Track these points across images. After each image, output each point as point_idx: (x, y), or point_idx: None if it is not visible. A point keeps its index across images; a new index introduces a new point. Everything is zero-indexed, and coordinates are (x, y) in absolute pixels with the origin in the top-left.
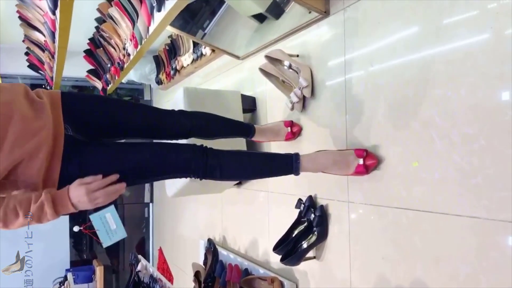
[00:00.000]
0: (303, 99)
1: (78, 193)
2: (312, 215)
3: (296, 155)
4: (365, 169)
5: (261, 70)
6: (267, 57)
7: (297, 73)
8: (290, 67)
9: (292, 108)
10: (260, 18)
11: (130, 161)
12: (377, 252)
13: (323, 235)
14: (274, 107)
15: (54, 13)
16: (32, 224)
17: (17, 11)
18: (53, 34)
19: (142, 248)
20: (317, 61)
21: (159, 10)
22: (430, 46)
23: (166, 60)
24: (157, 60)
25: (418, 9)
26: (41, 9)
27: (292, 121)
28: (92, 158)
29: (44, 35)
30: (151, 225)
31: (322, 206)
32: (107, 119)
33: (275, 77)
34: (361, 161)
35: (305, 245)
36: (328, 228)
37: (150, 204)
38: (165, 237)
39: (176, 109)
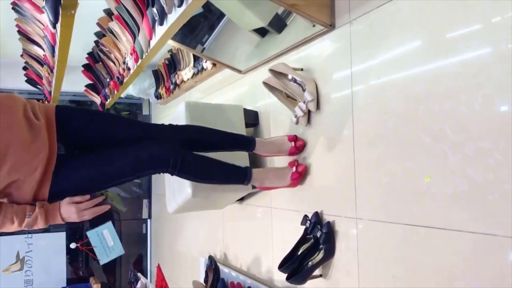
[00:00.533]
0: (308, 113)
1: (69, 210)
2: (319, 232)
3: (248, 168)
4: (299, 174)
5: (265, 84)
6: (271, 71)
7: (302, 87)
8: (294, 81)
9: (297, 122)
10: (261, 32)
11: (111, 172)
12: (387, 270)
13: (330, 253)
14: (278, 121)
15: (54, 27)
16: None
17: (16, 25)
18: (52, 48)
19: (140, 265)
20: (322, 75)
21: (161, 24)
22: (441, 59)
23: (165, 75)
24: (156, 74)
25: (428, 22)
26: (41, 22)
27: (295, 136)
28: (78, 173)
29: (43, 49)
30: (149, 242)
31: (329, 222)
32: (97, 134)
33: (279, 91)
34: (294, 169)
35: (311, 263)
36: (335, 246)
37: (148, 220)
38: (163, 254)
39: (177, 123)
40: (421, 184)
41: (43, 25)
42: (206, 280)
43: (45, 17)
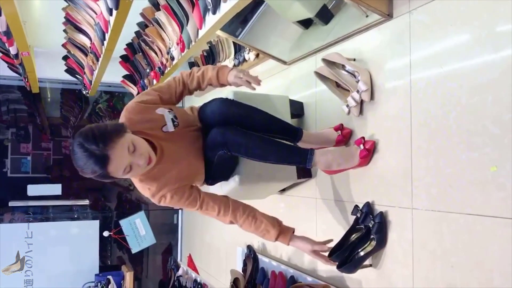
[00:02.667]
0: (361, 104)
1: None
2: (371, 222)
3: (312, 150)
4: (367, 151)
5: (317, 73)
6: (324, 60)
7: (355, 77)
8: (347, 70)
9: (349, 112)
10: (305, 23)
11: None
12: (445, 261)
13: (382, 243)
14: (324, 112)
15: (111, 13)
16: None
17: (66, 14)
18: (103, 36)
19: (169, 255)
20: (377, 65)
21: (214, 12)
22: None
23: None
24: (192, 66)
25: (499, 9)
26: (93, 10)
27: (341, 124)
28: None
29: (89, 38)
30: (180, 232)
31: (381, 212)
32: None
33: (330, 81)
34: (361, 147)
35: (362, 252)
36: (388, 236)
37: (180, 211)
38: (195, 244)
39: None
40: (487, 173)
41: (96, 13)
42: (244, 269)
43: (102, 5)
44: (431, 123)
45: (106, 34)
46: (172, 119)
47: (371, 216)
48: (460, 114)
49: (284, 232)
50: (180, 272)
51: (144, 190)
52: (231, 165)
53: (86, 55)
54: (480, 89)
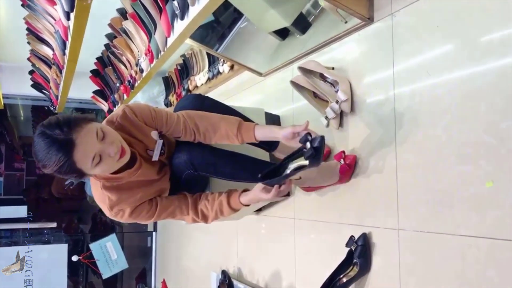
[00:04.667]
0: (341, 115)
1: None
2: (354, 245)
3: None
4: (348, 167)
5: (293, 83)
6: (300, 68)
7: (334, 86)
8: (325, 80)
9: (328, 125)
10: (282, 34)
11: None
12: (437, 287)
13: (365, 268)
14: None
15: (68, 18)
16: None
17: (26, 22)
18: (64, 45)
19: (143, 280)
20: (357, 73)
21: (182, 18)
22: (509, 50)
23: (177, 81)
24: (167, 81)
25: (492, 8)
26: (52, 17)
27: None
28: None
29: (52, 49)
30: (154, 255)
31: (365, 234)
32: None
33: (307, 91)
34: (342, 162)
35: (344, 279)
36: (372, 260)
37: (153, 233)
38: (169, 268)
39: None
40: (482, 189)
41: (55, 20)
42: None
43: (59, 9)
44: (418, 134)
45: (67, 43)
46: (161, 150)
47: (353, 237)
48: (451, 123)
49: (231, 195)
50: None
51: (102, 199)
52: (202, 183)
53: (50, 67)
54: (473, 95)
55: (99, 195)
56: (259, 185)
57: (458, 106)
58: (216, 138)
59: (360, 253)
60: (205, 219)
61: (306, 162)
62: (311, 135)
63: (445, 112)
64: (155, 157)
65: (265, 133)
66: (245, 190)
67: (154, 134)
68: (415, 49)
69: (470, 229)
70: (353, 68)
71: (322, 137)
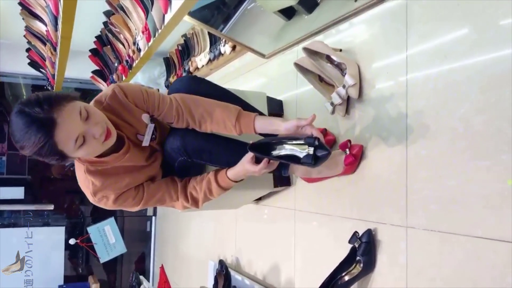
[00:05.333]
0: (347, 101)
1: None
2: (358, 241)
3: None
4: (354, 157)
5: (297, 65)
6: (305, 49)
7: (341, 70)
8: (332, 62)
9: (333, 112)
10: (288, 14)
11: None
12: None
13: (369, 266)
14: (305, 111)
15: None
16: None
17: None
18: (55, 20)
19: (142, 264)
20: (366, 56)
21: None
22: None
23: (178, 62)
24: (168, 62)
25: None
26: None
27: (325, 129)
28: None
29: (46, 25)
30: (153, 240)
31: (369, 230)
32: None
33: (312, 74)
34: (347, 152)
35: (347, 277)
36: (377, 258)
37: (153, 218)
38: (168, 254)
39: None
40: (502, 187)
41: None
42: (215, 287)
43: None
44: (431, 124)
45: (58, 18)
46: (152, 135)
47: (357, 234)
48: (468, 113)
49: (219, 173)
50: None
51: (85, 184)
52: (196, 171)
53: (45, 45)
54: (495, 82)
55: (83, 180)
56: (247, 156)
57: (478, 94)
58: (212, 127)
59: (364, 250)
60: (195, 202)
61: (302, 158)
62: (319, 140)
63: (463, 100)
64: (146, 142)
65: (265, 125)
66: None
67: (145, 117)
68: (431, 30)
69: (488, 230)
70: (362, 51)
71: (328, 153)
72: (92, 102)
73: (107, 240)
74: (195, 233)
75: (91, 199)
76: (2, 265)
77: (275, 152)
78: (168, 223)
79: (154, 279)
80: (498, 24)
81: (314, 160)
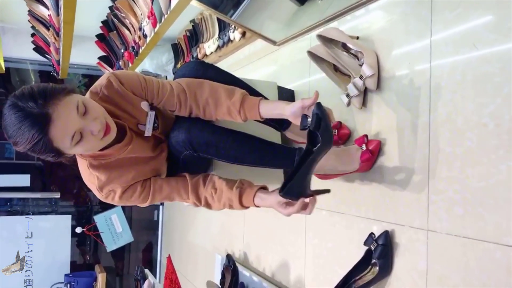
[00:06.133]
0: (365, 93)
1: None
2: (374, 244)
3: (300, 150)
4: (371, 154)
5: (311, 53)
6: (320, 37)
7: (358, 59)
8: (348, 51)
9: (349, 104)
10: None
11: None
12: None
13: (386, 270)
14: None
15: None
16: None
17: None
18: (57, 4)
19: (149, 253)
20: (386, 44)
21: None
22: None
23: (186, 48)
24: (176, 48)
25: None
26: None
27: (340, 122)
28: None
29: (48, 9)
30: (160, 230)
31: (387, 232)
32: None
33: (327, 64)
34: (364, 148)
35: (361, 281)
36: (394, 262)
37: (160, 207)
38: (174, 244)
39: None
40: None
41: None
42: (222, 282)
43: None
44: (457, 120)
45: (60, 2)
46: (154, 123)
47: (373, 235)
48: (501, 108)
49: (245, 193)
50: (145, 285)
51: (91, 179)
52: (203, 165)
53: (48, 29)
54: None
55: (87, 176)
56: (278, 199)
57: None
58: (217, 114)
59: (380, 253)
60: (208, 206)
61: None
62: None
63: (494, 94)
64: (148, 132)
65: (270, 109)
66: (263, 188)
67: (144, 105)
68: (459, 16)
69: None
70: (380, 39)
71: (318, 104)
72: (87, 94)
73: (114, 229)
74: (202, 224)
75: (98, 195)
76: (4, 253)
77: (308, 191)
78: (175, 213)
79: (162, 269)
80: None
81: (320, 136)
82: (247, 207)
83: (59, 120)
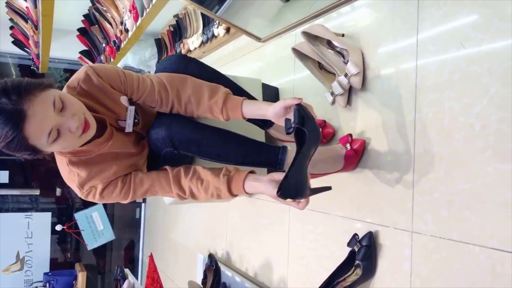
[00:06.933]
0: (349, 91)
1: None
2: (357, 245)
3: (285, 148)
4: (355, 153)
5: (295, 50)
6: (304, 33)
7: (343, 57)
8: (333, 48)
9: (333, 102)
10: None
11: None
12: None
13: (369, 272)
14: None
15: None
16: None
17: None
18: None
19: (131, 251)
20: (371, 42)
21: None
22: None
23: (169, 44)
24: (159, 44)
25: None
26: None
27: (324, 121)
28: None
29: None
30: (142, 228)
31: (370, 233)
32: None
33: (312, 61)
34: (348, 147)
35: (344, 283)
36: (378, 264)
37: (143, 205)
38: (157, 243)
39: None
40: None
41: None
42: (204, 282)
43: None
44: (444, 120)
45: None
46: (134, 119)
47: (357, 236)
48: (487, 109)
49: (234, 180)
50: (125, 285)
51: (70, 177)
52: (185, 161)
53: (27, 22)
54: None
55: (67, 173)
56: (270, 179)
57: (500, 89)
58: (198, 112)
59: (364, 255)
60: (194, 197)
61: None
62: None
63: (481, 94)
64: (129, 128)
65: (253, 110)
66: (252, 172)
67: (124, 100)
68: (447, 15)
69: (506, 243)
70: (367, 36)
71: (299, 106)
72: (64, 89)
73: (95, 226)
74: (185, 223)
75: (79, 192)
76: None
77: (307, 190)
78: (157, 210)
79: (143, 267)
80: None
81: (305, 132)
82: (236, 195)
83: (35, 116)
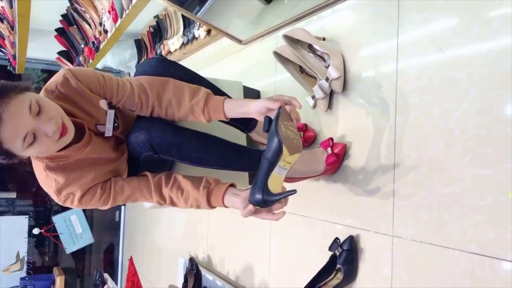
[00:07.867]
0: (330, 95)
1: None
2: (339, 249)
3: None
4: (336, 157)
5: (277, 54)
6: (286, 37)
7: (324, 61)
8: (314, 52)
9: (315, 106)
10: None
11: None
12: None
13: (350, 276)
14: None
15: None
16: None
17: None
18: None
19: (111, 255)
20: (352, 46)
21: None
22: None
23: (149, 45)
24: (139, 44)
25: None
26: None
27: (305, 125)
28: None
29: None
30: (122, 231)
31: (352, 237)
32: None
33: (293, 65)
34: (329, 151)
35: (325, 287)
36: (359, 268)
37: (122, 207)
38: (137, 246)
39: None
40: (504, 199)
41: None
42: (185, 286)
43: None
44: (424, 124)
45: None
46: (113, 123)
47: (338, 240)
48: (467, 114)
49: (213, 193)
50: None
51: (47, 182)
52: (164, 167)
53: (2, 22)
54: (499, 80)
55: (44, 179)
56: (248, 207)
57: (479, 94)
58: (179, 115)
59: (345, 259)
60: (173, 205)
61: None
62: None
63: (461, 100)
64: (108, 132)
65: (235, 108)
66: (232, 185)
67: (103, 103)
68: (427, 20)
69: (485, 247)
70: (348, 40)
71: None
72: (42, 92)
73: (73, 230)
74: (166, 226)
75: (56, 198)
76: None
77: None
78: (137, 213)
79: (123, 270)
80: (504, 15)
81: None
82: (214, 207)
83: (10, 120)
